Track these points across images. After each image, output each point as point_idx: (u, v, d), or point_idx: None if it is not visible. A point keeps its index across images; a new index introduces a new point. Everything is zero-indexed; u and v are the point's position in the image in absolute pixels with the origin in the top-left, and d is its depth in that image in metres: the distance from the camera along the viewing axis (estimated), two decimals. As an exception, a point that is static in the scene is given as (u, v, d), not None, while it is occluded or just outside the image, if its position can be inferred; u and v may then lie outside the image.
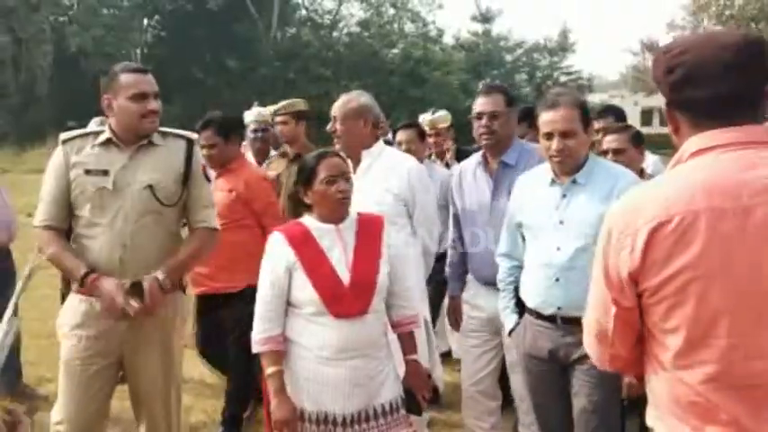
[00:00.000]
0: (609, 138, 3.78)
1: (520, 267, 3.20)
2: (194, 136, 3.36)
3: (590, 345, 1.85)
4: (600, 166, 3.04)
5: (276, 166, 5.05)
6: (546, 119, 2.97)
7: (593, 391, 2.91)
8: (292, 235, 2.91)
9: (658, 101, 33.27)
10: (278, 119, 5.04)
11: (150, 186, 3.10)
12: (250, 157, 5.32)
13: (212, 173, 3.97)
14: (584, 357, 2.79)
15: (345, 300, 2.83)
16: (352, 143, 3.69)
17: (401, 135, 5.13)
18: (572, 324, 2.85)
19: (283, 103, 5.14)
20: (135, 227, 3.08)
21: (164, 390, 3.23)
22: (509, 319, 3.25)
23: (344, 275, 2.85)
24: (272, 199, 4.49)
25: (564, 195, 2.99)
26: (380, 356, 2.94)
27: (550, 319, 2.99)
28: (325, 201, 2.90)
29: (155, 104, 3.12)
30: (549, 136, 2.96)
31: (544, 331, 3.02)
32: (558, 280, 2.94)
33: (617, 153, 3.69)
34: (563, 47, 41.33)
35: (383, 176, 3.67)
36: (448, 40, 42.24)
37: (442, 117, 5.90)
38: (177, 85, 30.54)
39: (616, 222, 1.63)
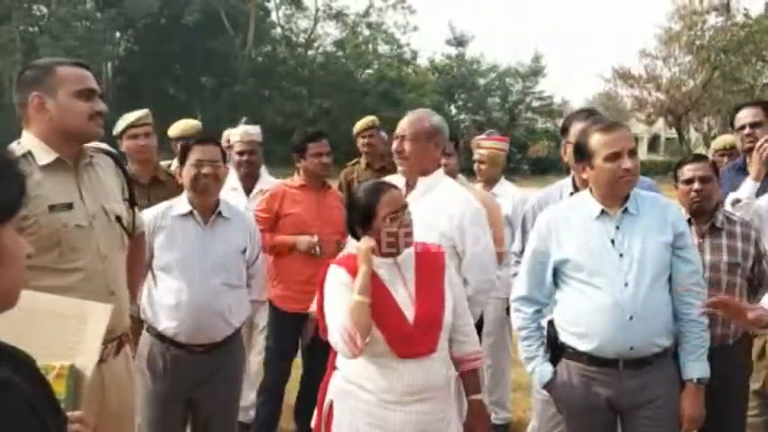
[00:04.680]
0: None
1: (541, 311, 2.96)
2: (114, 151, 3.00)
3: None
4: (641, 195, 2.85)
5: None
6: (613, 137, 2.74)
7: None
8: (354, 270, 2.61)
9: (632, 128, 33.74)
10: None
11: (118, 217, 2.67)
12: (234, 181, 4.71)
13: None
14: (650, 401, 2.74)
15: (411, 339, 2.59)
16: (418, 166, 3.26)
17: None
18: (634, 366, 2.72)
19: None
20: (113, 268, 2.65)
21: None
22: (543, 370, 2.91)
23: (409, 313, 2.61)
24: None
25: (617, 227, 2.78)
26: (447, 398, 2.71)
27: (611, 363, 2.75)
28: (389, 239, 2.63)
29: (103, 105, 2.60)
30: (618, 156, 2.71)
31: (600, 378, 2.76)
32: (631, 318, 2.69)
33: None
34: (535, 72, 41.76)
35: (433, 212, 3.20)
36: (422, 62, 42.59)
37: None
38: (149, 99, 30.26)
39: None
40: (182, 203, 3.29)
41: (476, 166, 4.91)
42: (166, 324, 3.19)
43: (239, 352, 3.48)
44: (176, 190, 3.50)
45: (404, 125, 3.28)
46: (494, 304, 4.63)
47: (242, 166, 4.74)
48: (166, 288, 3.19)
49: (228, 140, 4.93)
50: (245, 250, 3.40)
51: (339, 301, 2.60)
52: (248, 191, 4.74)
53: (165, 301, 3.18)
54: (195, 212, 3.27)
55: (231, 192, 4.55)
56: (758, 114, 3.98)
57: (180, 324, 3.17)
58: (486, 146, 4.89)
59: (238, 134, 4.82)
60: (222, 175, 3.34)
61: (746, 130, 3.95)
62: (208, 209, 3.30)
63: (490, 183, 4.86)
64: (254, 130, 4.85)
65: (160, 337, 3.21)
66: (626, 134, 2.77)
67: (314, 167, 4.19)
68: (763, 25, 30.04)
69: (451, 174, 4.06)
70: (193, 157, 3.26)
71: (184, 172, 3.28)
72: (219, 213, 3.32)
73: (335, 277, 2.67)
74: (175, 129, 5.02)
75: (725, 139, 5.31)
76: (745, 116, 4.00)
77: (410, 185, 3.26)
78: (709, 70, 30.16)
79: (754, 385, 3.59)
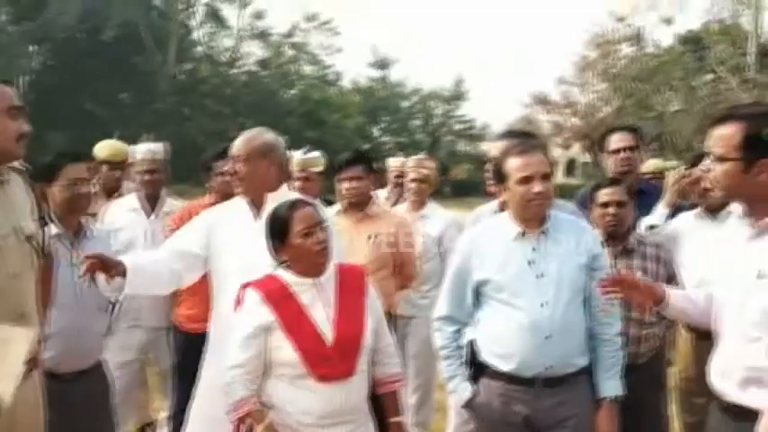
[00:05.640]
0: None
1: (461, 330, 3.00)
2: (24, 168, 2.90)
3: None
4: (559, 217, 2.93)
5: None
6: (526, 161, 2.81)
7: None
8: (269, 292, 2.64)
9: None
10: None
11: (29, 237, 2.54)
12: (133, 201, 4.48)
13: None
14: (566, 419, 2.80)
15: (329, 361, 2.59)
16: (255, 186, 3.21)
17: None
18: (551, 385, 2.78)
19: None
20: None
21: None
22: (464, 389, 2.94)
23: (328, 335, 2.61)
24: None
25: (534, 248, 2.85)
26: (366, 421, 2.73)
27: (529, 382, 2.80)
28: (304, 255, 2.64)
29: (27, 126, 2.47)
30: (529, 179, 2.79)
31: (518, 396, 2.81)
32: (548, 338, 2.75)
33: None
34: (457, 96, 42.42)
35: None
36: (346, 83, 42.73)
37: (316, 159, 4.80)
38: (66, 115, 29.49)
39: None
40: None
41: (412, 186, 4.93)
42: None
43: (104, 376, 3.41)
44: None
45: (237, 146, 3.23)
46: (423, 324, 4.67)
47: (145, 185, 4.50)
48: None
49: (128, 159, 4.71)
50: None
51: (244, 329, 2.60)
52: (149, 212, 4.47)
53: None
54: (63, 234, 3.17)
55: (131, 212, 4.39)
56: (632, 139, 4.15)
57: (56, 354, 3.03)
58: (427, 165, 4.99)
59: (142, 152, 4.55)
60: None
61: (622, 154, 4.09)
62: (76, 229, 3.22)
63: (420, 204, 4.90)
64: (158, 148, 4.61)
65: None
66: (539, 158, 2.83)
67: (220, 186, 4.11)
68: (672, 56, 31.34)
69: (362, 196, 4.07)
70: (67, 176, 3.16)
71: (55, 192, 3.15)
72: (87, 234, 3.24)
73: (248, 299, 2.66)
74: (102, 150, 4.85)
75: (654, 164, 5.53)
76: (620, 140, 4.14)
77: (256, 204, 3.20)
78: (622, 97, 31.17)
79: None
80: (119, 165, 4.86)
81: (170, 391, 4.29)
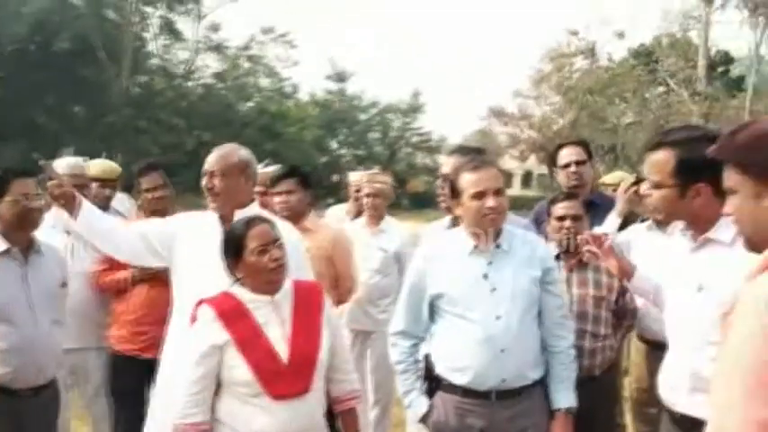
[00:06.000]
0: None
1: (418, 345, 3.02)
2: None
3: None
4: (512, 232, 2.96)
5: None
6: (479, 177, 2.84)
7: None
8: (223, 309, 2.61)
9: (506, 164, 34.93)
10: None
11: None
12: (51, 218, 3.96)
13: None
14: (523, 430, 2.83)
15: (284, 379, 2.56)
16: (231, 202, 3.21)
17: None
18: (506, 397, 2.81)
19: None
20: None
21: None
22: (420, 403, 2.95)
23: (283, 352, 2.59)
24: None
25: (490, 262, 2.88)
26: None
27: (484, 395, 2.82)
28: (259, 272, 2.62)
29: None
30: (482, 195, 2.82)
31: (474, 409, 2.83)
32: (503, 351, 2.77)
33: None
34: (414, 108, 42.61)
35: None
36: (303, 96, 42.67)
37: (276, 172, 4.69)
38: (17, 128, 28.92)
39: None
40: None
41: (367, 200, 4.92)
42: None
43: (58, 393, 3.38)
44: None
45: (212, 161, 3.23)
46: (382, 338, 4.66)
47: None
48: None
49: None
50: (64, 284, 3.33)
51: (198, 347, 2.58)
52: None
53: None
54: (13, 250, 3.13)
55: (50, 229, 4.04)
56: (582, 153, 4.21)
57: (10, 369, 3.02)
58: (381, 180, 4.97)
59: (63, 167, 4.24)
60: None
61: (572, 168, 4.15)
62: (26, 244, 3.18)
63: (377, 218, 4.90)
64: (81, 162, 4.46)
65: None
66: (492, 174, 2.86)
67: (147, 204, 4.03)
68: (625, 68, 31.97)
69: (295, 210, 4.06)
70: (17, 190, 3.11)
71: (3, 208, 3.11)
72: (37, 249, 3.21)
73: (202, 316, 2.63)
74: (93, 168, 4.64)
75: (618, 175, 5.63)
76: (569, 154, 4.20)
77: (227, 219, 3.18)
78: (576, 110, 31.71)
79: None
80: (109, 182, 4.68)
81: (109, 417, 4.14)
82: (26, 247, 3.19)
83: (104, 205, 4.67)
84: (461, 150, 3.57)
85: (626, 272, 2.88)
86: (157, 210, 4.03)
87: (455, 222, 3.46)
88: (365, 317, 4.71)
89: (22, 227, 3.13)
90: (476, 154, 3.47)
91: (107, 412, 4.11)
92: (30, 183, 3.19)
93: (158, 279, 3.78)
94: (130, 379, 3.93)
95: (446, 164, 3.48)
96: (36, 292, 3.13)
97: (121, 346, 3.95)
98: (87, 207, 3.12)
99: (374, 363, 4.74)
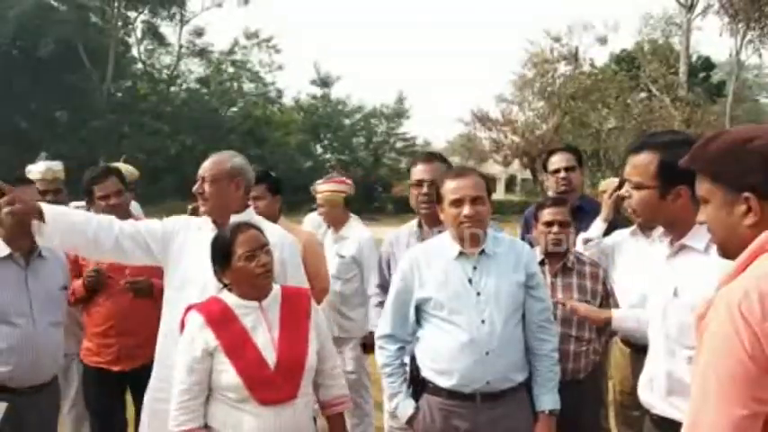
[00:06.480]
0: None
1: (404, 348, 3.05)
2: None
3: None
4: (497, 237, 3.01)
5: None
6: (457, 185, 2.90)
7: None
8: (211, 315, 2.63)
9: (490, 168, 35.05)
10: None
11: None
12: None
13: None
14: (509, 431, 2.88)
15: (272, 385, 2.58)
16: (220, 207, 3.22)
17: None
18: (491, 400, 2.84)
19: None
20: None
21: None
22: (406, 406, 2.99)
23: (270, 358, 2.60)
24: None
25: (475, 267, 2.92)
26: None
27: (469, 397, 2.85)
28: (247, 278, 2.64)
29: None
30: (460, 202, 2.88)
31: (458, 411, 2.87)
32: (488, 354, 2.82)
33: None
34: (399, 113, 42.68)
35: None
36: (288, 101, 42.65)
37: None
38: (0, 133, 28.77)
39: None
40: None
41: (321, 210, 4.93)
42: None
43: (58, 392, 3.46)
44: None
45: (205, 167, 3.26)
46: (352, 343, 4.67)
47: None
48: None
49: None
50: (65, 287, 3.40)
51: (188, 353, 2.60)
52: None
53: None
54: (15, 254, 3.17)
55: None
56: (572, 160, 4.30)
57: (10, 369, 3.09)
58: (322, 189, 4.91)
59: (39, 171, 4.31)
60: None
61: (562, 174, 4.24)
62: (28, 249, 3.22)
63: (336, 225, 4.88)
64: (58, 167, 4.42)
65: None
66: (471, 182, 2.91)
67: (102, 212, 3.77)
68: (607, 74, 32.18)
69: (264, 215, 4.06)
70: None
71: (3, 214, 3.04)
72: (39, 253, 3.25)
73: (191, 322, 2.66)
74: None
75: (614, 182, 5.68)
76: (559, 161, 4.29)
77: (221, 224, 3.17)
78: (559, 115, 31.83)
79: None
80: (57, 191, 4.53)
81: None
82: (28, 252, 3.24)
83: (124, 214, 4.56)
84: (425, 158, 3.63)
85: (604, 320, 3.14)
86: (117, 216, 3.93)
87: (420, 225, 3.58)
88: (334, 324, 4.64)
89: (23, 233, 3.15)
90: (440, 162, 3.56)
91: (85, 417, 4.09)
92: (29, 190, 3.24)
93: (119, 290, 3.75)
94: (102, 394, 3.89)
95: (415, 172, 3.56)
96: (36, 294, 3.19)
97: (90, 359, 3.90)
98: (50, 211, 2.97)
99: (347, 367, 4.70)
